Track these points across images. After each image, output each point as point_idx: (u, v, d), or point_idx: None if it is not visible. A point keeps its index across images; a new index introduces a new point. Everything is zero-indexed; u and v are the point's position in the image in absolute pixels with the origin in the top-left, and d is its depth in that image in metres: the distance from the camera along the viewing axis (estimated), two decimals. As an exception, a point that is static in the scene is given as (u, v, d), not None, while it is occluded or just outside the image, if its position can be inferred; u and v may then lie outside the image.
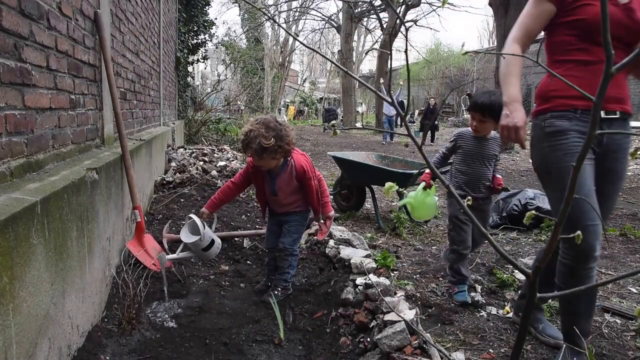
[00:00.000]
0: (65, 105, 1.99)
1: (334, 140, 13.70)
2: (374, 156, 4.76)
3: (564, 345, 1.86)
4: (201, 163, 5.53)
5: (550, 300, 2.42)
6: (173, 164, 5.41)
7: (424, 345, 1.71)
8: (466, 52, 1.69)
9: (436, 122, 14.29)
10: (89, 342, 1.87)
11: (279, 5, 21.96)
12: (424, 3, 17.56)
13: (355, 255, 2.65)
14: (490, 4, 8.82)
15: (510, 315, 2.34)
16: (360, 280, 2.32)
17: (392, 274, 2.79)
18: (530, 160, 2.01)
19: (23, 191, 1.41)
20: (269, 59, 24.90)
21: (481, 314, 2.37)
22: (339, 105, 26.91)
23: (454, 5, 19.14)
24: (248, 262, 3.12)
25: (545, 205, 4.03)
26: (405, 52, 1.01)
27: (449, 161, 2.76)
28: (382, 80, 14.36)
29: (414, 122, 17.70)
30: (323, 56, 1.10)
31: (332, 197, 4.76)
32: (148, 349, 1.99)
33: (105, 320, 2.14)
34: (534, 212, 1.04)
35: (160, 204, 4.11)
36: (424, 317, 2.27)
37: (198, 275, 2.85)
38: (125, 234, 2.83)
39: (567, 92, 1.78)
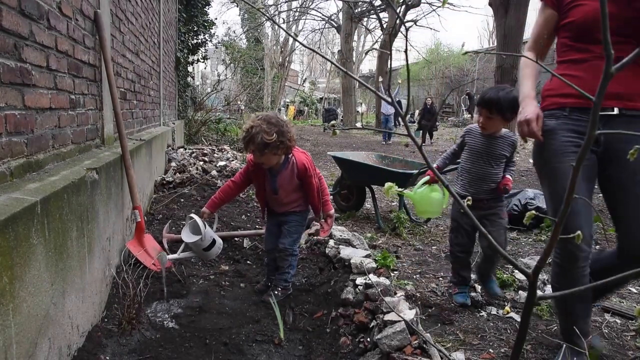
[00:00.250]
0: (65, 105, 1.99)
1: (334, 140, 13.70)
2: (374, 156, 4.76)
3: (564, 345, 1.86)
4: (201, 163, 5.53)
5: (550, 300, 2.42)
6: (173, 164, 5.41)
7: (424, 345, 1.71)
8: (466, 52, 1.69)
9: (437, 123, 14.22)
10: (89, 342, 1.87)
11: (279, 5, 21.97)
12: (424, 3, 17.57)
13: (355, 255, 2.65)
14: (490, 4, 8.81)
15: (511, 315, 2.34)
16: (360, 280, 2.32)
17: (392, 274, 2.79)
18: (531, 160, 2.03)
19: (23, 191, 1.41)
20: (269, 59, 24.90)
21: (481, 314, 2.37)
22: (339, 105, 26.91)
23: (454, 5, 19.16)
24: (248, 262, 3.12)
25: (545, 205, 4.03)
26: (405, 52, 1.01)
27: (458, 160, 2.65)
28: (381, 79, 14.34)
29: (414, 122, 17.69)
30: (323, 56, 1.10)
31: (332, 197, 4.76)
32: (148, 349, 1.99)
33: (105, 320, 2.14)
34: (534, 212, 1.04)
35: (160, 204, 4.11)
36: (424, 317, 2.27)
37: (198, 275, 2.85)
38: (125, 234, 2.83)
39: (558, 90, 1.79)
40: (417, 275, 2.89)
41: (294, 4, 23.73)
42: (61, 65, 1.91)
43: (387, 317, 1.88)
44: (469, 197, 2.41)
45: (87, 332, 1.91)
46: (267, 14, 18.09)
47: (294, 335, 2.22)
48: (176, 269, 2.79)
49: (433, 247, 3.53)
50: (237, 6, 22.47)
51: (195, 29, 9.19)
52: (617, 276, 0.93)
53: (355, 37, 26.31)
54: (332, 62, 1.16)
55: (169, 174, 4.98)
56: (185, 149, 6.38)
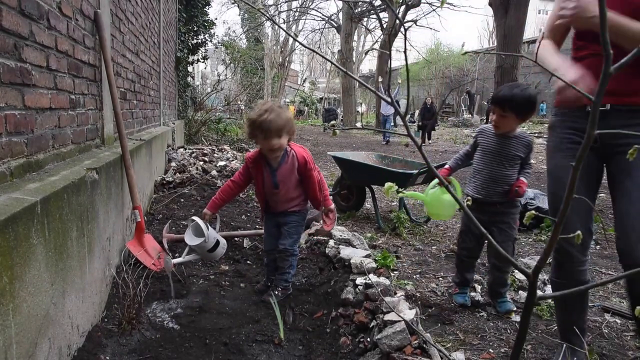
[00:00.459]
0: (65, 105, 1.99)
1: (334, 140, 13.70)
2: (374, 156, 4.76)
3: (564, 345, 1.86)
4: (201, 163, 5.53)
5: (550, 300, 2.42)
6: (173, 164, 5.41)
7: (424, 345, 1.71)
8: (466, 52, 1.69)
9: (437, 123, 14.16)
10: (89, 342, 1.87)
11: (279, 5, 21.97)
12: (424, 3, 17.57)
13: (355, 255, 2.64)
14: (490, 4, 8.81)
15: (512, 316, 2.34)
16: (360, 280, 2.32)
17: (392, 274, 2.79)
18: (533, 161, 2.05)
19: (23, 191, 1.41)
20: (269, 59, 24.90)
21: (481, 314, 2.37)
22: (339, 105, 26.91)
23: (454, 5, 19.15)
24: (248, 262, 3.12)
25: (545, 205, 4.03)
26: (405, 52, 1.01)
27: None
28: (380, 79, 14.32)
29: (414, 122, 17.68)
30: (323, 56, 1.10)
31: (331, 197, 4.76)
32: (148, 349, 1.99)
33: (105, 320, 2.14)
34: (533, 212, 1.04)
35: (160, 204, 4.11)
36: (424, 317, 2.27)
37: (198, 275, 2.85)
38: (125, 234, 2.83)
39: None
40: (417, 275, 2.89)
41: (294, 4, 23.75)
42: (61, 65, 1.91)
43: (387, 317, 1.88)
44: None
45: (87, 332, 1.91)
46: (267, 14, 18.09)
47: (294, 335, 2.22)
48: (176, 269, 2.79)
49: (433, 247, 3.53)
50: (238, 6, 22.47)
51: (195, 29, 9.19)
52: (617, 276, 0.93)
53: (355, 37, 26.32)
54: (332, 62, 1.16)
55: (169, 174, 4.98)
56: (185, 149, 6.38)
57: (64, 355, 1.62)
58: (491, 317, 2.33)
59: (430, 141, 13.00)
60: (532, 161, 2.43)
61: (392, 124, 14.22)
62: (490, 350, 1.98)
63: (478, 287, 2.68)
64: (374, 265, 2.54)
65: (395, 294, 2.18)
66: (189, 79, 9.72)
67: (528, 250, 3.44)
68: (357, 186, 4.50)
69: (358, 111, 24.83)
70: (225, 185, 2.61)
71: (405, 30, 0.99)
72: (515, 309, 2.38)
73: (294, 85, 34.05)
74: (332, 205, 2.65)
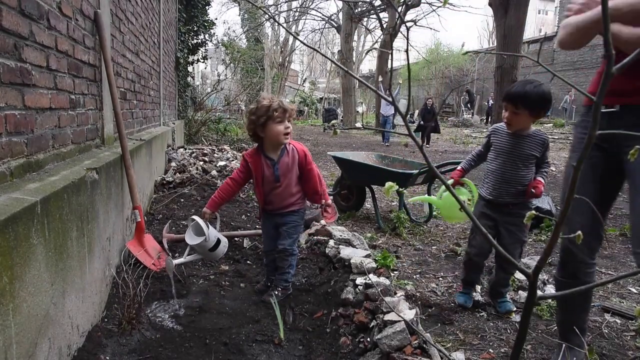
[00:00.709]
0: (65, 105, 1.99)
1: (334, 140, 13.70)
2: (374, 156, 4.76)
3: (564, 345, 1.86)
4: (201, 163, 5.53)
5: (550, 300, 2.43)
6: (173, 164, 5.41)
7: (424, 345, 1.71)
8: (466, 52, 1.69)
9: (436, 125, 14.05)
10: (89, 342, 1.87)
11: (279, 5, 21.96)
12: (424, 3, 17.55)
13: (355, 255, 2.64)
14: (490, 4, 8.81)
15: (512, 316, 2.34)
16: (360, 280, 2.32)
17: (392, 274, 2.79)
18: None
19: (23, 191, 1.41)
20: (269, 59, 24.89)
21: (481, 314, 2.37)
22: (339, 105, 26.90)
23: (454, 5, 19.13)
24: (248, 262, 3.12)
25: (545, 205, 4.03)
26: (407, 51, 1.01)
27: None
28: (380, 79, 14.27)
29: (414, 122, 17.66)
30: (323, 55, 1.09)
31: (332, 197, 4.76)
32: (148, 349, 1.99)
33: (105, 320, 2.14)
34: (533, 212, 1.04)
35: (160, 204, 4.11)
36: (424, 317, 2.27)
37: (198, 275, 2.85)
38: (125, 234, 2.83)
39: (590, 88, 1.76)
40: (417, 275, 2.89)
41: (294, 4, 23.73)
42: (61, 65, 1.91)
43: (387, 317, 1.88)
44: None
45: (87, 332, 1.91)
46: (269, 13, 18.09)
47: (294, 335, 2.22)
48: (176, 269, 2.79)
49: (433, 247, 3.53)
50: (238, 5, 22.45)
51: (195, 29, 9.19)
52: (617, 276, 0.93)
53: (355, 37, 26.32)
54: (332, 61, 1.16)
55: (169, 174, 4.98)
56: (185, 149, 6.38)
57: (64, 355, 1.62)
58: (491, 317, 2.33)
59: (428, 145, 12.61)
60: (549, 159, 2.35)
61: (392, 125, 14.04)
62: (490, 350, 1.98)
63: (478, 287, 2.68)
64: (374, 265, 2.54)
65: (395, 294, 2.18)
66: (189, 79, 9.72)
67: (528, 250, 3.44)
68: (357, 186, 4.50)
69: (358, 111, 24.80)
70: (225, 183, 2.59)
71: (407, 29, 0.99)
72: (515, 309, 2.38)
73: (294, 85, 34.03)
74: (330, 200, 2.68)
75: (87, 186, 1.91)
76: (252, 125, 2.42)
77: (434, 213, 4.31)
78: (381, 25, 18.19)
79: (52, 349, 1.50)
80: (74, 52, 2.09)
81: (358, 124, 18.02)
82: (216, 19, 10.25)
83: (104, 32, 2.50)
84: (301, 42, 1.12)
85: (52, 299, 1.50)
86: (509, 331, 2.18)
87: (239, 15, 26.31)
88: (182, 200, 4.30)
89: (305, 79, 36.73)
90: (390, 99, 1.00)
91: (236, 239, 3.43)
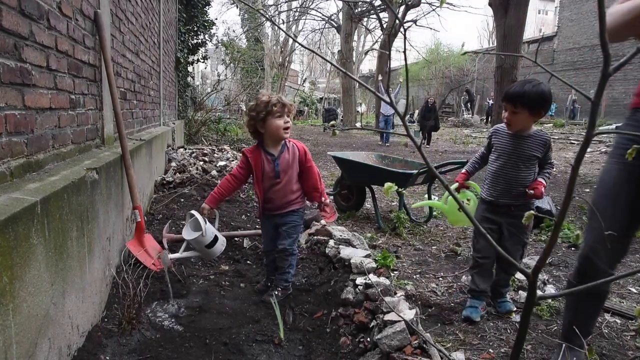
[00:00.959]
0: (65, 105, 1.99)
1: (334, 140, 13.70)
2: (374, 156, 4.76)
3: (564, 345, 1.86)
4: (201, 163, 5.53)
5: (550, 300, 2.43)
6: (173, 164, 5.41)
7: (424, 345, 1.72)
8: (466, 52, 1.69)
9: (436, 124, 13.99)
10: (89, 342, 1.87)
11: (279, 5, 21.97)
12: (424, 3, 17.55)
13: (355, 255, 2.64)
14: (490, 4, 8.81)
15: (512, 316, 2.33)
16: (360, 280, 2.32)
17: (392, 274, 2.79)
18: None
19: (23, 191, 1.41)
20: (269, 59, 24.90)
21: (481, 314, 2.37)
22: (339, 105, 26.90)
23: (454, 5, 19.14)
24: (248, 262, 3.12)
25: (545, 205, 4.03)
26: (404, 52, 1.01)
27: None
28: (380, 78, 14.23)
29: (414, 122, 17.65)
30: (322, 57, 1.10)
31: (332, 197, 4.76)
32: (148, 349, 1.99)
33: (105, 320, 2.14)
34: (533, 212, 1.04)
35: (160, 204, 4.11)
36: (424, 317, 2.27)
37: (198, 275, 2.85)
38: (125, 234, 2.83)
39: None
40: (417, 275, 2.89)
41: (294, 4, 23.74)
42: (61, 65, 1.91)
43: (387, 317, 1.89)
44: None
45: (87, 332, 1.91)
46: (267, 15, 18.08)
47: (294, 335, 2.22)
48: (176, 269, 2.79)
49: (433, 247, 3.53)
50: (237, 6, 22.47)
51: (195, 29, 9.19)
52: (617, 276, 0.93)
53: (355, 37, 26.32)
54: (331, 63, 1.17)
55: (169, 174, 4.98)
56: (185, 149, 6.38)
57: (64, 355, 1.63)
58: (491, 317, 2.33)
59: (428, 146, 12.43)
60: (552, 160, 2.31)
61: (392, 125, 13.94)
62: (490, 350, 1.98)
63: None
64: (374, 265, 2.54)
65: (395, 294, 2.18)
66: (189, 79, 9.72)
67: (528, 250, 3.44)
68: (357, 186, 4.50)
69: (358, 111, 24.83)
70: (224, 179, 2.57)
71: (405, 30, 0.99)
72: (515, 309, 2.38)
73: (294, 85, 34.03)
74: (328, 200, 2.69)
75: (87, 186, 1.92)
76: (252, 121, 2.44)
77: (434, 213, 4.31)
78: (381, 25, 18.18)
79: (52, 349, 1.50)
80: (74, 52, 2.09)
81: (358, 124, 18.02)
82: (216, 19, 10.27)
83: (104, 32, 2.50)
84: (300, 44, 1.12)
85: (52, 299, 1.50)
86: (509, 331, 2.18)
87: (239, 15, 26.35)
88: (182, 200, 4.30)
89: (305, 79, 36.73)
90: (388, 100, 1.00)
91: (236, 239, 3.43)
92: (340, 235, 3.10)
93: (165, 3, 6.04)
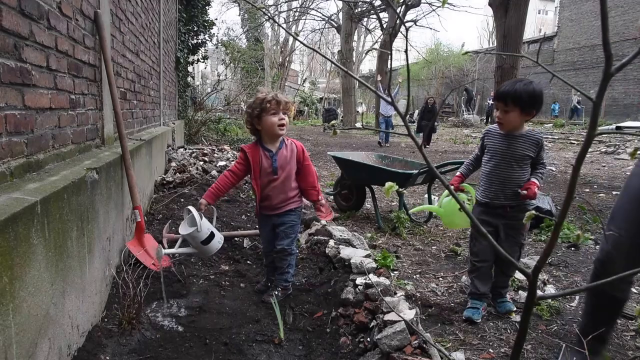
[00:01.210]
0: (65, 105, 1.99)
1: (334, 140, 13.70)
2: (374, 156, 4.76)
3: (564, 345, 1.86)
4: (201, 163, 5.53)
5: (550, 300, 2.43)
6: (173, 164, 5.41)
7: (424, 345, 1.71)
8: (466, 52, 1.70)
9: (435, 124, 13.96)
10: (89, 342, 1.87)
11: (279, 5, 21.97)
12: (424, 3, 17.57)
13: (355, 255, 2.64)
14: (490, 4, 8.82)
15: (512, 316, 2.33)
16: (360, 280, 2.32)
17: (392, 274, 2.79)
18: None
19: (23, 191, 1.41)
20: (269, 59, 24.91)
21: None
22: (339, 105, 26.90)
23: (454, 5, 19.16)
24: (248, 262, 3.12)
25: (545, 205, 4.03)
26: (406, 52, 1.01)
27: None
28: (379, 78, 14.14)
29: (414, 122, 17.63)
30: (323, 56, 1.10)
31: (332, 197, 4.76)
32: (148, 349, 1.99)
33: (105, 320, 2.14)
34: (533, 212, 1.04)
35: (160, 204, 4.11)
36: (424, 317, 2.27)
37: (198, 275, 2.85)
38: (125, 234, 2.83)
39: None
40: (417, 275, 2.89)
41: (294, 4, 23.77)
42: (61, 65, 1.91)
43: (387, 317, 1.89)
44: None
45: (87, 332, 1.91)
46: (268, 14, 18.09)
47: (294, 335, 2.22)
48: (176, 269, 2.79)
49: (433, 247, 3.53)
50: (238, 5, 22.47)
51: (195, 29, 9.19)
52: (617, 276, 0.93)
53: (355, 37, 26.32)
54: (332, 62, 1.16)
55: (169, 174, 4.98)
56: (185, 149, 6.38)
57: (64, 355, 1.62)
58: (491, 317, 2.33)
59: (428, 146, 12.36)
60: (545, 160, 2.31)
61: (392, 126, 13.83)
62: (490, 350, 1.98)
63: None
64: (374, 265, 2.54)
65: (395, 294, 2.18)
66: (189, 79, 9.72)
67: (528, 250, 3.44)
68: (358, 186, 4.50)
69: (358, 111, 24.81)
70: (222, 175, 2.57)
71: (407, 30, 0.99)
72: (515, 309, 2.38)
73: (294, 85, 34.02)
74: (324, 200, 2.69)
75: (87, 186, 1.92)
76: (249, 117, 2.48)
77: (434, 213, 4.30)
78: (381, 25, 18.20)
79: (52, 349, 1.50)
80: (74, 52, 2.09)
81: (358, 124, 18.01)
82: (216, 19, 10.27)
83: (104, 32, 2.50)
84: (301, 42, 1.12)
85: (52, 299, 1.50)
86: (509, 331, 2.18)
87: (239, 15, 26.35)
88: (182, 200, 4.30)
89: (305, 79, 36.72)
90: (389, 99, 1.00)
91: (236, 239, 3.43)
92: (340, 235, 3.10)
93: (165, 3, 6.04)
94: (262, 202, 2.56)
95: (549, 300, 2.42)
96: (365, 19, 22.10)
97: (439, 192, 5.34)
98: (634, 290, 2.74)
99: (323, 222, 3.45)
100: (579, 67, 22.80)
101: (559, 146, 12.01)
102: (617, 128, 12.99)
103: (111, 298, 2.34)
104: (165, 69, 6.07)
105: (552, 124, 19.02)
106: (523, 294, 2.58)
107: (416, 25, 19.43)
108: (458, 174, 2.50)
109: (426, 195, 4.37)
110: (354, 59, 23.80)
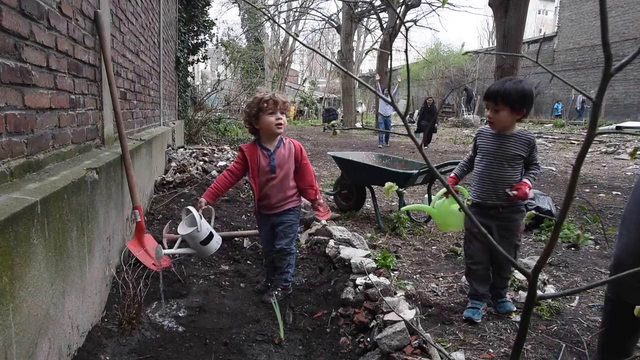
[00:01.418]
0: (65, 105, 1.99)
1: (334, 140, 13.70)
2: (374, 156, 4.76)
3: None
4: (201, 163, 5.53)
5: (550, 300, 2.43)
6: (173, 163, 5.41)
7: (424, 345, 1.72)
8: (466, 52, 1.70)
9: (435, 124, 13.92)
10: (89, 342, 1.87)
11: (279, 5, 21.98)
12: (424, 3, 17.57)
13: (355, 255, 2.65)
14: (490, 4, 8.83)
15: (512, 316, 2.33)
16: (360, 280, 2.32)
17: (392, 274, 2.79)
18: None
19: (23, 191, 1.41)
20: (269, 59, 24.92)
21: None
22: (339, 105, 26.90)
23: (454, 5, 19.16)
24: (248, 262, 3.12)
25: (545, 205, 4.03)
26: (406, 52, 1.01)
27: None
28: (378, 77, 14.10)
29: (414, 122, 17.62)
30: (323, 56, 1.10)
31: (332, 197, 4.76)
32: (148, 349, 1.99)
33: (105, 320, 2.14)
34: (533, 212, 1.04)
35: (160, 204, 4.11)
36: (424, 317, 2.27)
37: (198, 275, 2.85)
38: (125, 234, 2.83)
39: None
40: (417, 275, 2.89)
41: (294, 4, 23.78)
42: (61, 65, 1.91)
43: (387, 317, 1.89)
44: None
45: (87, 332, 1.91)
46: (268, 14, 18.09)
47: (294, 335, 2.22)
48: (176, 269, 2.79)
49: (433, 247, 3.53)
50: (239, 6, 22.48)
51: (195, 29, 9.19)
52: (617, 276, 0.93)
53: (355, 37, 26.33)
54: (332, 62, 1.16)
55: (169, 174, 4.98)
56: (185, 149, 6.38)
57: (64, 355, 1.62)
58: (491, 317, 2.33)
59: (426, 147, 12.32)
60: (538, 160, 2.31)
61: (391, 126, 13.75)
62: (490, 350, 1.98)
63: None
64: (374, 265, 2.54)
65: (395, 294, 2.18)
66: (189, 79, 9.72)
67: (528, 251, 3.44)
68: (358, 186, 4.50)
69: (358, 111, 24.81)
70: (221, 175, 2.60)
71: (407, 30, 0.99)
72: (515, 308, 2.38)
73: (294, 85, 34.02)
74: (321, 200, 2.69)
75: (87, 186, 1.92)
76: (247, 117, 2.51)
77: None
78: (381, 25, 18.20)
79: (52, 349, 1.50)
80: (74, 52, 2.09)
81: (358, 124, 18.01)
82: (216, 19, 10.27)
83: (104, 32, 2.50)
84: (301, 42, 1.12)
85: (52, 299, 1.50)
86: (509, 331, 2.18)
87: (239, 15, 26.35)
88: (182, 200, 4.30)
89: (305, 79, 36.73)
90: (389, 99, 1.00)
91: (236, 239, 3.43)
92: (340, 235, 3.10)
93: (165, 3, 6.04)
94: (260, 202, 2.57)
95: (549, 300, 2.42)
96: (365, 19, 22.11)
97: (439, 192, 5.34)
98: None
99: (323, 222, 3.46)
100: (579, 67, 22.81)
101: (559, 146, 12.01)
102: (617, 128, 13.00)
103: (111, 298, 2.34)
104: (165, 69, 6.07)
105: (552, 124, 19.02)
106: (523, 294, 2.58)
107: (416, 25, 19.44)
108: (452, 175, 2.50)
109: (426, 195, 4.37)
110: (354, 59, 23.80)
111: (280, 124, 2.45)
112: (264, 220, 2.62)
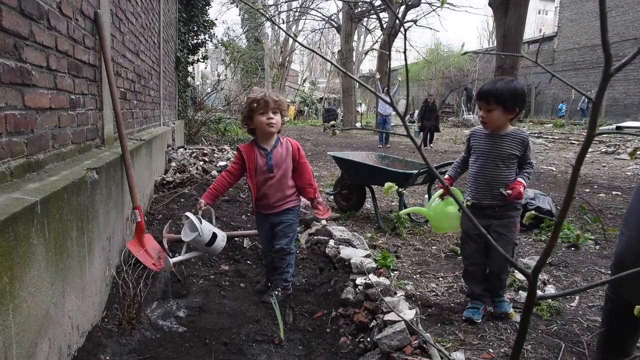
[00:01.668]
0: (65, 105, 1.99)
1: (334, 140, 13.69)
2: (374, 156, 4.76)
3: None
4: (201, 163, 5.53)
5: (550, 300, 2.43)
6: (173, 164, 5.41)
7: (424, 345, 1.72)
8: (466, 52, 1.70)
9: (437, 124, 13.88)
10: (89, 342, 1.87)
11: (279, 5, 21.98)
12: (424, 3, 17.59)
13: (355, 255, 2.65)
14: (490, 4, 8.84)
15: (512, 317, 2.33)
16: (360, 280, 2.32)
17: (392, 274, 2.79)
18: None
19: (23, 191, 1.41)
20: (269, 59, 24.92)
21: (481, 314, 2.37)
22: (339, 105, 26.90)
23: (454, 5, 19.16)
24: (248, 262, 3.12)
25: (545, 205, 4.03)
26: (405, 52, 1.01)
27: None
28: (378, 76, 14.09)
29: (414, 122, 17.61)
30: (322, 57, 1.10)
31: (332, 197, 4.76)
32: (148, 349, 1.99)
33: (105, 320, 2.14)
34: (533, 212, 1.04)
35: (160, 204, 4.11)
36: (424, 317, 2.27)
37: (198, 275, 2.85)
38: (125, 234, 2.83)
39: None
40: (417, 275, 2.89)
41: (294, 4, 23.78)
42: (61, 65, 1.91)
43: (387, 317, 1.89)
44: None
45: (87, 332, 1.91)
46: (267, 15, 18.08)
47: (294, 335, 2.22)
48: (176, 269, 2.79)
49: (433, 247, 3.53)
50: (237, 6, 22.50)
51: (195, 29, 9.20)
52: (617, 276, 0.93)
53: (355, 37, 26.32)
54: (332, 63, 1.17)
55: (169, 174, 4.98)
56: (185, 149, 6.38)
57: (64, 355, 1.62)
58: (491, 317, 2.33)
59: (431, 145, 12.33)
60: (532, 160, 2.32)
61: (391, 126, 13.71)
62: (490, 350, 1.98)
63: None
64: (374, 265, 2.54)
65: (395, 294, 2.18)
66: (189, 79, 9.72)
67: (528, 251, 3.44)
68: (358, 186, 4.50)
69: (358, 111, 24.82)
70: (220, 176, 2.62)
71: (405, 30, 0.99)
72: (511, 310, 2.36)
73: (294, 85, 34.03)
74: (321, 198, 2.69)
75: (87, 186, 1.92)
76: (243, 117, 2.54)
77: None
78: (381, 25, 18.20)
79: (52, 349, 1.50)
80: (74, 52, 2.09)
81: (358, 124, 18.01)
82: (216, 19, 10.27)
83: (104, 32, 2.50)
84: (300, 43, 1.12)
85: (52, 299, 1.50)
86: (509, 331, 2.18)
87: (239, 15, 26.38)
88: (182, 200, 4.30)
89: (305, 79, 36.73)
90: (388, 99, 1.00)
91: (236, 239, 3.43)
92: (340, 235, 3.10)
93: (165, 3, 6.04)
94: (259, 201, 2.57)
95: (549, 300, 2.41)
96: (365, 19, 22.11)
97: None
98: None
99: (323, 221, 3.46)
100: (579, 67, 22.80)
101: (559, 146, 12.01)
102: (617, 128, 13.00)
103: (111, 298, 2.34)
104: (165, 69, 6.07)
105: (552, 124, 19.02)
106: (523, 294, 2.57)
107: (416, 25, 19.44)
108: (446, 176, 2.49)
109: (426, 196, 4.37)
110: (354, 59, 23.80)
111: (272, 123, 2.44)
112: (263, 220, 2.62)
